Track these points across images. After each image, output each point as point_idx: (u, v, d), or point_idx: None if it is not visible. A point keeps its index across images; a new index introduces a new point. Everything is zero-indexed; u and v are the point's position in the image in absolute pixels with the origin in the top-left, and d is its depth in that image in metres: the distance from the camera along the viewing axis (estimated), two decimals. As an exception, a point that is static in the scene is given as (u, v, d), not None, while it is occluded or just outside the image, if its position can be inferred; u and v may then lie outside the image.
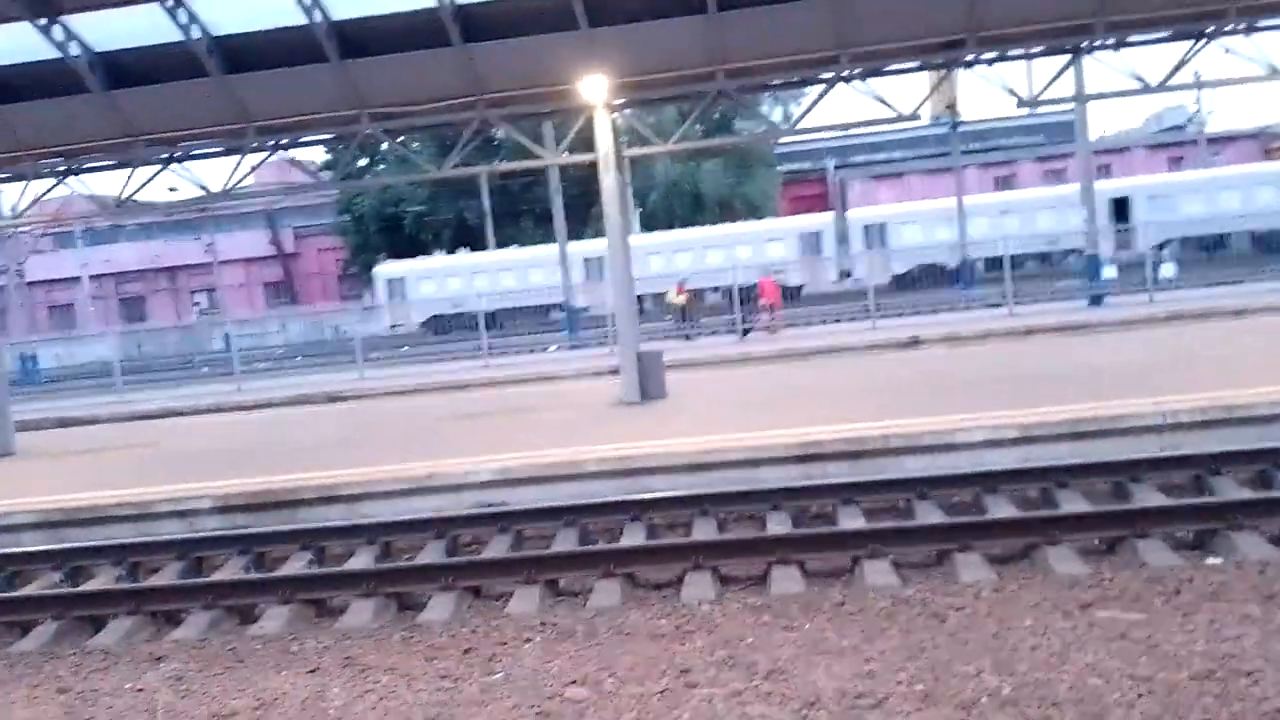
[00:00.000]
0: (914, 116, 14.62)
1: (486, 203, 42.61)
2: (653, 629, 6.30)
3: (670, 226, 44.20)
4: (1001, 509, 8.15)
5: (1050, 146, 54.29)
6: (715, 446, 10.28)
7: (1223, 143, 52.57)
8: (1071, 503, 8.16)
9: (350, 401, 21.36)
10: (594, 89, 13.85)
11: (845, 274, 38.15)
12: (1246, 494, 7.88)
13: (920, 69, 15.39)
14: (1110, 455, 9.04)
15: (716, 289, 32.66)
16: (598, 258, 34.26)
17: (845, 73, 14.14)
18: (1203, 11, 13.34)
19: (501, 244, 43.93)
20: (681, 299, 27.74)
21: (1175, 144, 54.52)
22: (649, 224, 44.23)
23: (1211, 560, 6.90)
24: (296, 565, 8.68)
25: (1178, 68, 14.28)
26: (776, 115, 45.11)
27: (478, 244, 44.27)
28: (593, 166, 14.97)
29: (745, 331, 25.83)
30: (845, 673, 5.31)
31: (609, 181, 14.62)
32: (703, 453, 10.16)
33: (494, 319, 31.45)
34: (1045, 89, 14.68)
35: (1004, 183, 51.85)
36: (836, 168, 59.15)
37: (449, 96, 14.28)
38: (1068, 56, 14.50)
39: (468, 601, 7.47)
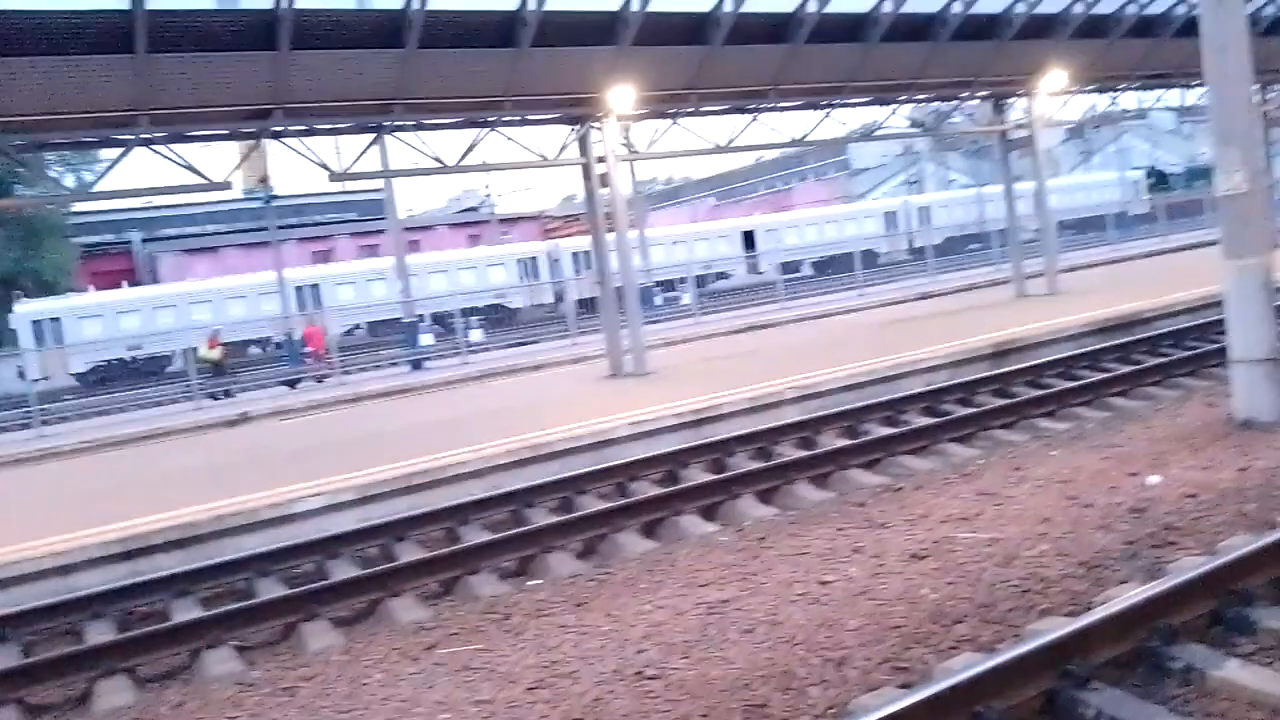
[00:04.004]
0: (225, 185, 14.25)
1: None
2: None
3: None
4: (343, 571, 8.14)
5: (364, 222, 56.77)
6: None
7: (511, 223, 59.29)
8: (409, 553, 8.44)
9: None
10: None
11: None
12: (555, 519, 8.76)
13: (230, 137, 15.12)
14: (441, 503, 9.53)
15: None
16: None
17: (147, 135, 13.24)
18: (485, 102, 14.99)
19: None
20: (215, 353, 25.89)
21: (473, 223, 60.53)
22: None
23: (533, 582, 7.58)
24: None
25: (468, 150, 15.80)
26: (69, 181, 38.88)
27: None
28: None
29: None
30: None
31: None
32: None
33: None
34: (354, 163, 15.33)
35: (322, 256, 52.41)
36: (144, 241, 55.22)
37: None
38: (373, 135, 15.19)
39: None
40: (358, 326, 34.79)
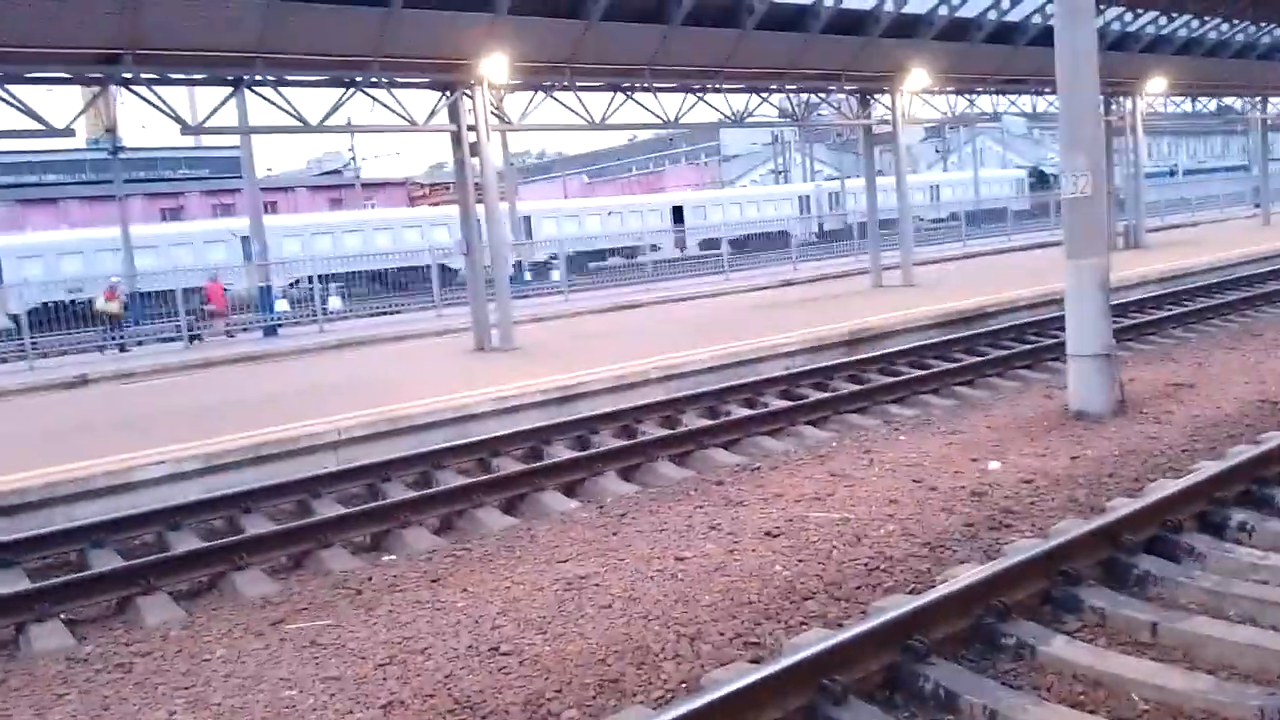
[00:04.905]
0: (68, 132, 13.38)
1: None
2: None
3: None
4: (186, 543, 7.78)
5: (218, 180, 53.91)
6: None
7: (376, 188, 57.75)
8: (257, 526, 8.13)
9: None
10: None
11: None
12: (411, 494, 8.60)
13: (73, 82, 14.42)
14: (292, 475, 9.26)
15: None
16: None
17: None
18: (351, 61, 14.56)
19: None
20: (113, 305, 24.56)
21: (335, 186, 58.95)
22: None
23: (387, 557, 7.43)
24: None
25: (333, 110, 15.40)
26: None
27: None
28: None
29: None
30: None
31: None
32: None
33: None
34: (209, 117, 14.73)
35: (172, 214, 50.02)
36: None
37: None
38: (231, 89, 14.63)
39: None
40: (297, 281, 32.19)
